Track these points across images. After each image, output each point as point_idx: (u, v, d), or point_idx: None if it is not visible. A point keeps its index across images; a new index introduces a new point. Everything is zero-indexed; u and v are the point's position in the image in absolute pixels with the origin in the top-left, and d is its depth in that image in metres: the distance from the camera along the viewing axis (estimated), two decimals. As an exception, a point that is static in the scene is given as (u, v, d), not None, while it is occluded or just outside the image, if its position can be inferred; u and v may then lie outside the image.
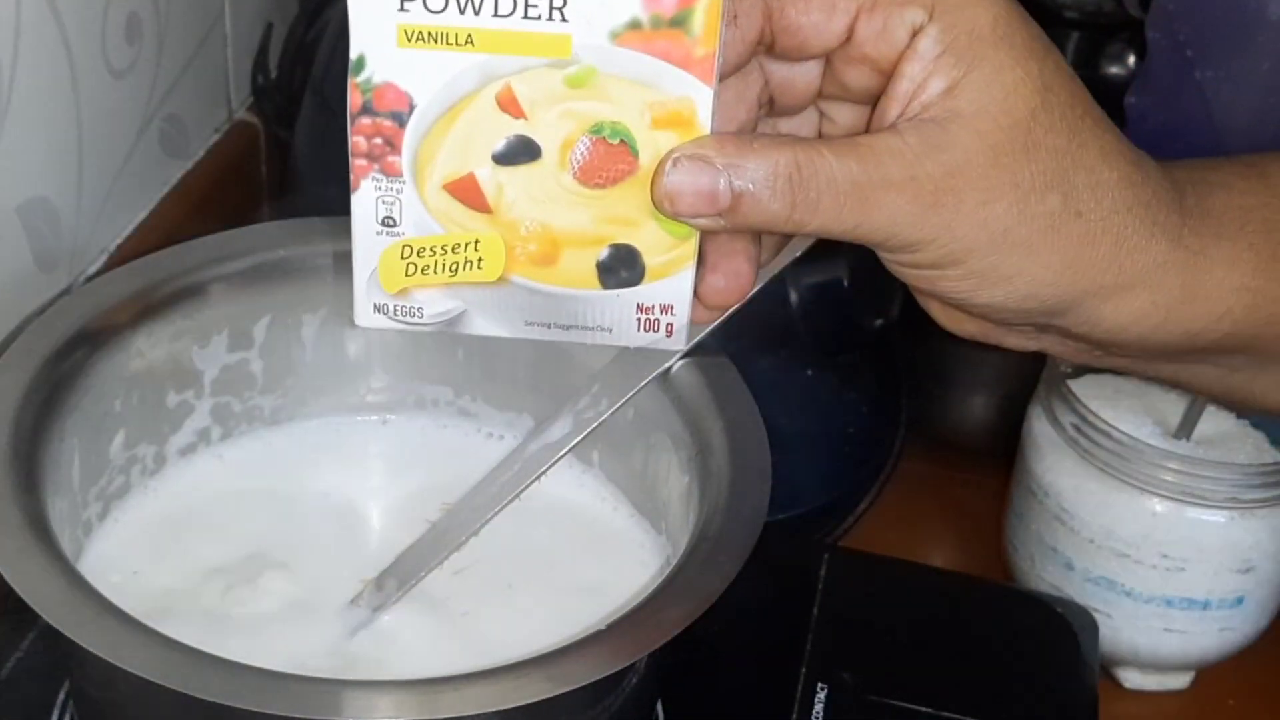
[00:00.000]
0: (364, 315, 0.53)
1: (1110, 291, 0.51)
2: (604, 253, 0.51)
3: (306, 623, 0.61)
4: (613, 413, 0.60)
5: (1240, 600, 0.76)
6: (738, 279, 0.52)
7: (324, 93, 0.82)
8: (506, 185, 0.50)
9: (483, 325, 0.53)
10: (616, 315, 0.53)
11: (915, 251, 0.50)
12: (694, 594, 0.53)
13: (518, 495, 0.60)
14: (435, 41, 0.48)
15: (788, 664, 0.69)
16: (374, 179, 0.51)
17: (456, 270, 0.52)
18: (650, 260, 0.51)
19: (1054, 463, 0.77)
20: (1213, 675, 0.80)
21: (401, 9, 0.48)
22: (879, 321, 0.79)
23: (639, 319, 0.53)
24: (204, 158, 0.90)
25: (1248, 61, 0.74)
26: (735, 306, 0.54)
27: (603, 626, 0.52)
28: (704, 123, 0.49)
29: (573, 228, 0.51)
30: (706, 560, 0.55)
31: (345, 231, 0.67)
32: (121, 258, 0.80)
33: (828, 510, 0.81)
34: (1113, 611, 0.77)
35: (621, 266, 0.52)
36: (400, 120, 0.50)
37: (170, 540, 0.64)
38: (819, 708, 0.68)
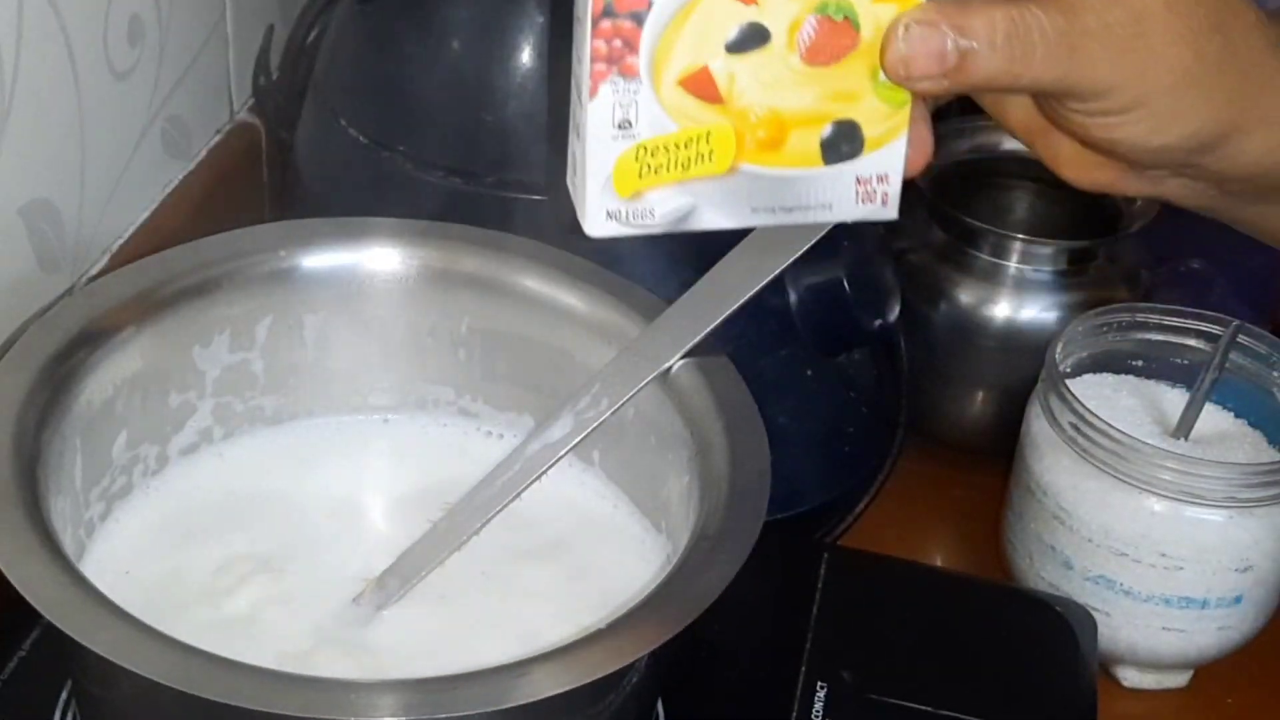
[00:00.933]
0: (596, 224, 0.53)
1: (1255, 124, 0.56)
2: (827, 130, 0.53)
3: (309, 622, 0.61)
4: (613, 412, 0.60)
5: (1238, 599, 0.76)
6: (924, 144, 0.55)
7: (325, 94, 0.82)
8: (738, 74, 0.52)
9: (712, 218, 0.54)
10: (837, 190, 0.54)
11: (1107, 98, 0.54)
12: (694, 594, 0.53)
13: (519, 495, 0.60)
14: None
15: (788, 663, 0.70)
16: (612, 82, 0.51)
17: (689, 166, 0.53)
18: (869, 132, 0.53)
19: (1053, 462, 0.77)
20: (1211, 674, 0.80)
21: None
22: (879, 321, 0.79)
23: (857, 191, 0.54)
24: (205, 159, 0.90)
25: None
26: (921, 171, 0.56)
27: (603, 626, 0.53)
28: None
29: (799, 108, 0.53)
30: (706, 560, 0.55)
31: (347, 232, 0.67)
32: (123, 258, 0.80)
33: (828, 510, 0.81)
34: (1111, 610, 0.77)
35: (843, 141, 0.53)
36: (639, 19, 0.51)
37: (172, 540, 0.64)
38: (819, 707, 0.68)
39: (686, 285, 0.62)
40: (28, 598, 0.51)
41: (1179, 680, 0.80)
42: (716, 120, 0.52)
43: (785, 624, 0.72)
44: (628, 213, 0.53)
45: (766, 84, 0.52)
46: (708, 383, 0.62)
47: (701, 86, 0.52)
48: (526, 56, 0.75)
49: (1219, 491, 0.74)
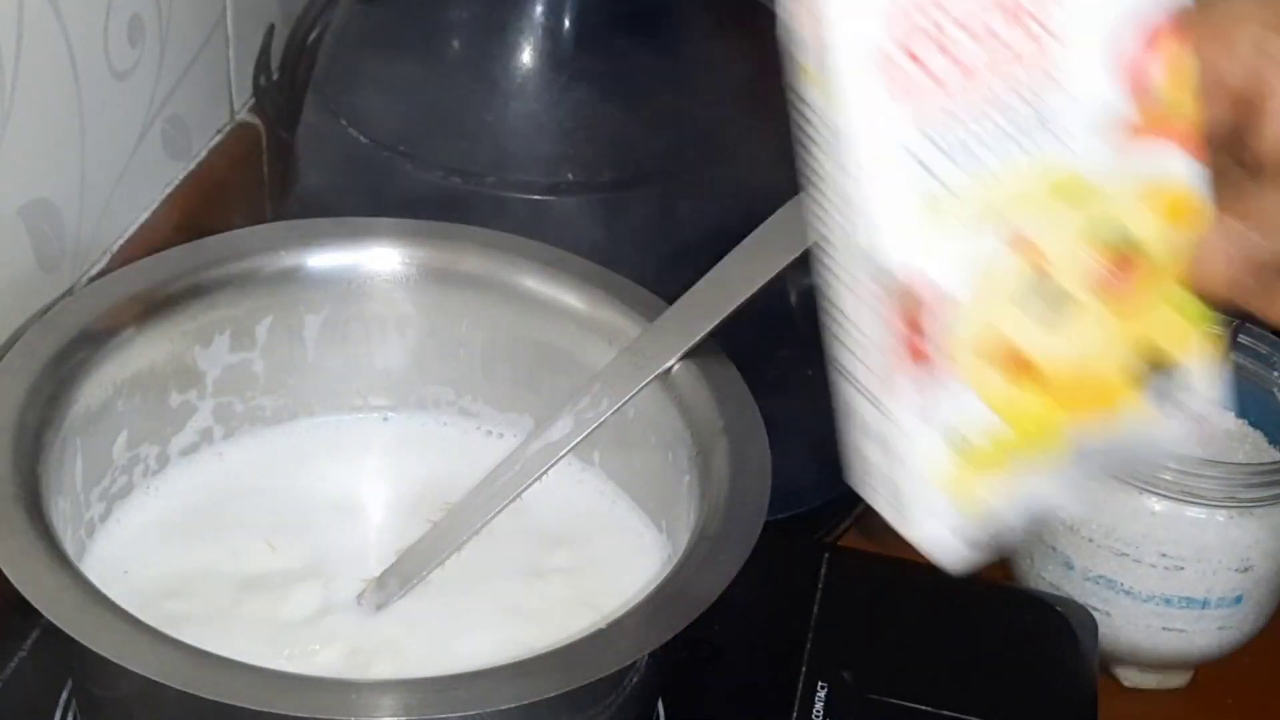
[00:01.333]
0: (946, 551, 0.49)
1: None
2: (1142, 369, 0.49)
3: (309, 621, 0.61)
4: (613, 413, 0.60)
5: (1239, 599, 0.76)
6: None
7: (325, 94, 0.82)
8: (1040, 337, 0.47)
9: (1056, 495, 0.49)
10: (1167, 426, 0.50)
11: None
12: (694, 594, 0.53)
13: (519, 495, 0.60)
14: (956, 219, 0.46)
15: (788, 663, 0.70)
16: (914, 379, 0.47)
17: (1014, 449, 0.48)
18: (1181, 356, 0.49)
19: (1053, 462, 0.77)
20: (1211, 673, 0.80)
21: (924, 191, 0.46)
22: (879, 321, 0.79)
23: (1183, 418, 0.50)
24: (206, 158, 0.90)
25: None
26: None
27: (603, 626, 0.53)
28: (1205, 200, 0.48)
29: (1107, 354, 0.48)
30: (706, 560, 0.55)
31: (348, 232, 0.67)
32: (124, 258, 0.80)
33: (828, 510, 0.81)
34: (1112, 610, 0.77)
35: (1160, 375, 0.49)
36: (933, 308, 0.46)
37: (173, 540, 0.64)
38: (819, 706, 0.68)
39: (687, 285, 0.62)
40: (28, 597, 0.51)
41: (1179, 680, 0.80)
42: (1031, 396, 0.47)
43: (785, 624, 0.72)
44: (971, 522, 0.48)
45: (1073, 340, 0.48)
46: (708, 383, 0.62)
47: (1007, 361, 0.47)
48: (526, 56, 0.75)
49: (1219, 491, 0.73)
